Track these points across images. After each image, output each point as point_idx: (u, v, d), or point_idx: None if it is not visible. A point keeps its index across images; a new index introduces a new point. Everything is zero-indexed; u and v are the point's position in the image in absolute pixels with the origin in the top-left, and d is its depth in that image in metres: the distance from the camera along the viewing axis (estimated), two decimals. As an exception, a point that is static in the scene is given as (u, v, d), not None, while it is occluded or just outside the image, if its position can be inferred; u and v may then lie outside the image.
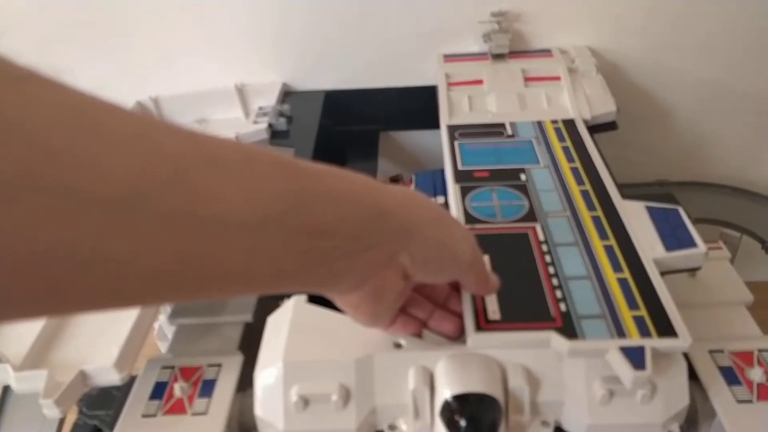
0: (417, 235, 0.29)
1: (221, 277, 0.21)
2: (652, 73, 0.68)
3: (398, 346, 0.38)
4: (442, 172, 0.58)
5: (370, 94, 0.67)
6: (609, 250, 0.41)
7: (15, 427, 0.46)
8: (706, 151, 0.75)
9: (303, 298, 0.41)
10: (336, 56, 0.66)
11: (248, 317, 0.48)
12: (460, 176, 0.50)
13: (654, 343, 0.34)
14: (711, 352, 0.41)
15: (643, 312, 0.36)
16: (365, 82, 0.68)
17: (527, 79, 0.62)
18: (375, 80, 0.68)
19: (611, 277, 0.39)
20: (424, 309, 0.37)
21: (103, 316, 0.42)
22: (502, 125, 0.56)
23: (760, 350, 0.41)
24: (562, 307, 0.37)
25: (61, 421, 0.49)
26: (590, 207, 0.45)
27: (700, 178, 0.72)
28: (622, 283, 0.39)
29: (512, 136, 0.55)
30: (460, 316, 0.37)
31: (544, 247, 0.41)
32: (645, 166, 0.73)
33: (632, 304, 0.37)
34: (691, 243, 0.42)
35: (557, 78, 0.62)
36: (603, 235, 0.42)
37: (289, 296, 0.42)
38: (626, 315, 0.36)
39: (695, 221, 0.64)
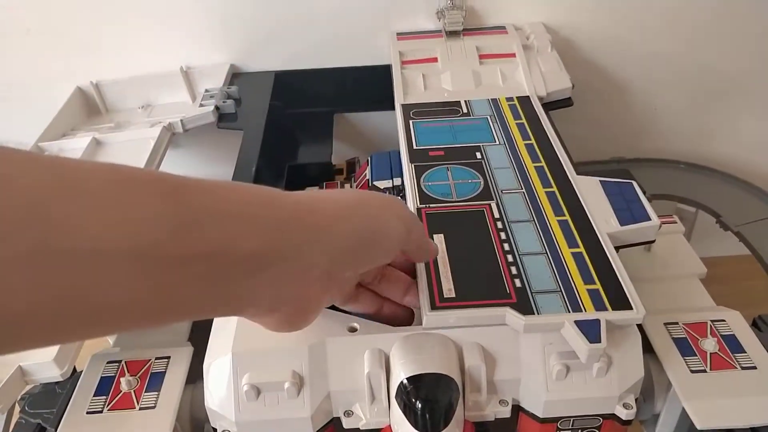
0: (332, 234, 0.27)
1: (109, 312, 0.20)
2: (607, 49, 0.68)
3: (352, 330, 0.37)
4: (398, 153, 0.57)
5: (322, 74, 0.66)
6: (564, 225, 0.41)
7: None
8: (660, 127, 0.76)
9: (253, 284, 0.40)
10: (286, 35, 0.64)
11: (198, 307, 0.46)
12: (414, 156, 0.49)
13: (608, 315, 0.34)
14: (666, 324, 0.41)
15: (597, 285, 0.36)
16: (317, 62, 0.66)
17: (482, 56, 0.61)
18: (327, 60, 0.66)
19: (566, 252, 0.39)
20: (372, 305, 0.37)
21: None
22: (458, 103, 0.55)
23: (712, 321, 0.41)
24: (517, 283, 0.36)
25: (8, 422, 0.47)
26: (545, 183, 0.45)
27: (656, 155, 0.73)
28: (577, 257, 0.38)
29: (467, 114, 0.54)
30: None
31: (499, 224, 0.41)
32: (601, 144, 0.74)
33: (587, 278, 0.37)
34: (644, 216, 0.42)
35: (512, 55, 0.61)
36: (558, 211, 0.42)
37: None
38: (581, 289, 0.36)
39: (651, 197, 0.64)
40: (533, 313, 0.35)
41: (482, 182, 0.45)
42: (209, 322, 0.40)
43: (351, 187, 0.58)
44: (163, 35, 0.63)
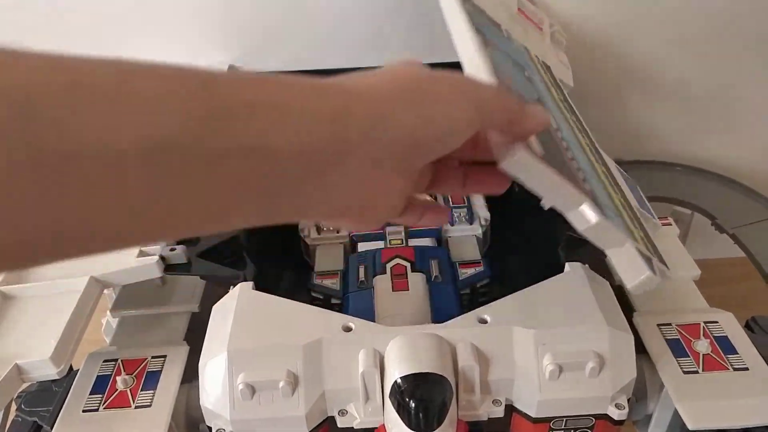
0: (391, 125, 0.23)
1: (131, 221, 0.18)
2: (605, 51, 0.68)
3: (348, 329, 0.37)
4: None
5: (325, 75, 0.65)
6: (606, 173, 0.39)
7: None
8: (657, 130, 0.76)
9: (249, 284, 0.40)
10: (285, 37, 0.64)
11: (194, 307, 0.46)
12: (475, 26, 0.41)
13: (657, 263, 0.32)
14: (659, 325, 0.42)
15: (643, 234, 0.35)
16: (317, 63, 0.66)
17: (519, 10, 0.59)
18: (327, 61, 0.66)
19: (613, 194, 0.36)
20: (455, 179, 0.31)
21: (41, 309, 0.40)
22: (499, 25, 0.52)
23: (705, 322, 0.42)
24: (586, 186, 0.32)
25: (5, 420, 0.47)
26: (582, 132, 0.42)
27: (652, 157, 0.73)
28: (623, 204, 0.36)
29: (507, 38, 0.51)
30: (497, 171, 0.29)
31: (559, 135, 0.36)
32: (600, 147, 0.74)
33: (635, 224, 0.35)
34: (650, 214, 0.42)
35: (540, 27, 0.60)
36: (598, 160, 0.39)
37: (235, 283, 0.41)
38: (633, 228, 0.34)
39: (648, 199, 0.64)
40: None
41: (536, 94, 0.40)
42: (207, 322, 0.40)
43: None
44: (162, 35, 0.63)
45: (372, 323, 0.38)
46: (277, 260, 0.55)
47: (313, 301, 0.49)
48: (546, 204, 0.30)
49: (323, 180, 0.22)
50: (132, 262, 0.41)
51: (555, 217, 0.30)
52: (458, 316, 0.38)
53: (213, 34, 0.64)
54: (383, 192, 0.25)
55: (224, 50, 0.65)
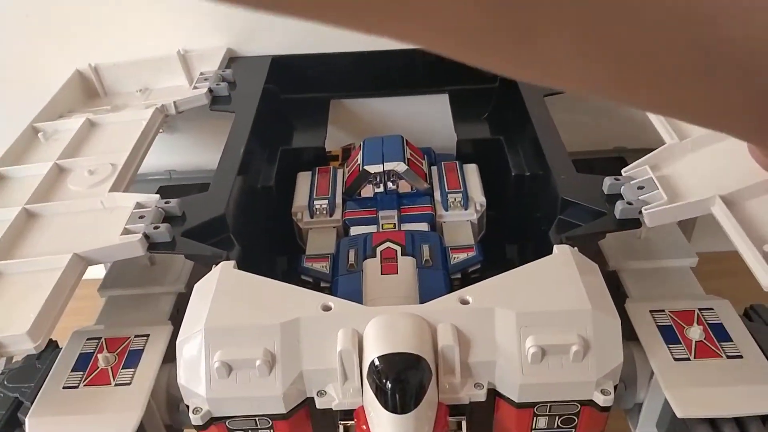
0: None
1: None
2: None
3: (327, 308, 0.37)
4: (391, 138, 0.57)
5: (320, 59, 0.65)
6: None
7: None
8: (662, 117, 0.74)
9: (231, 263, 0.40)
10: (284, 19, 0.64)
11: (181, 288, 0.46)
12: None
13: None
14: (652, 311, 0.40)
15: None
16: (316, 47, 0.65)
17: None
18: (326, 45, 0.65)
19: None
20: None
21: (23, 285, 0.40)
22: None
23: (700, 309, 0.40)
24: None
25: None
26: None
27: (658, 145, 0.71)
28: None
29: None
30: None
31: None
32: (603, 133, 0.72)
33: None
34: None
35: None
36: None
37: (218, 263, 0.40)
38: None
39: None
40: None
41: None
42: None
43: (344, 173, 0.57)
44: (161, 18, 0.63)
45: (351, 303, 0.37)
46: (268, 243, 0.54)
47: (303, 285, 0.48)
48: None
49: None
50: (115, 240, 0.41)
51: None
52: (444, 298, 0.37)
53: (211, 17, 0.64)
54: None
55: (222, 33, 0.65)
